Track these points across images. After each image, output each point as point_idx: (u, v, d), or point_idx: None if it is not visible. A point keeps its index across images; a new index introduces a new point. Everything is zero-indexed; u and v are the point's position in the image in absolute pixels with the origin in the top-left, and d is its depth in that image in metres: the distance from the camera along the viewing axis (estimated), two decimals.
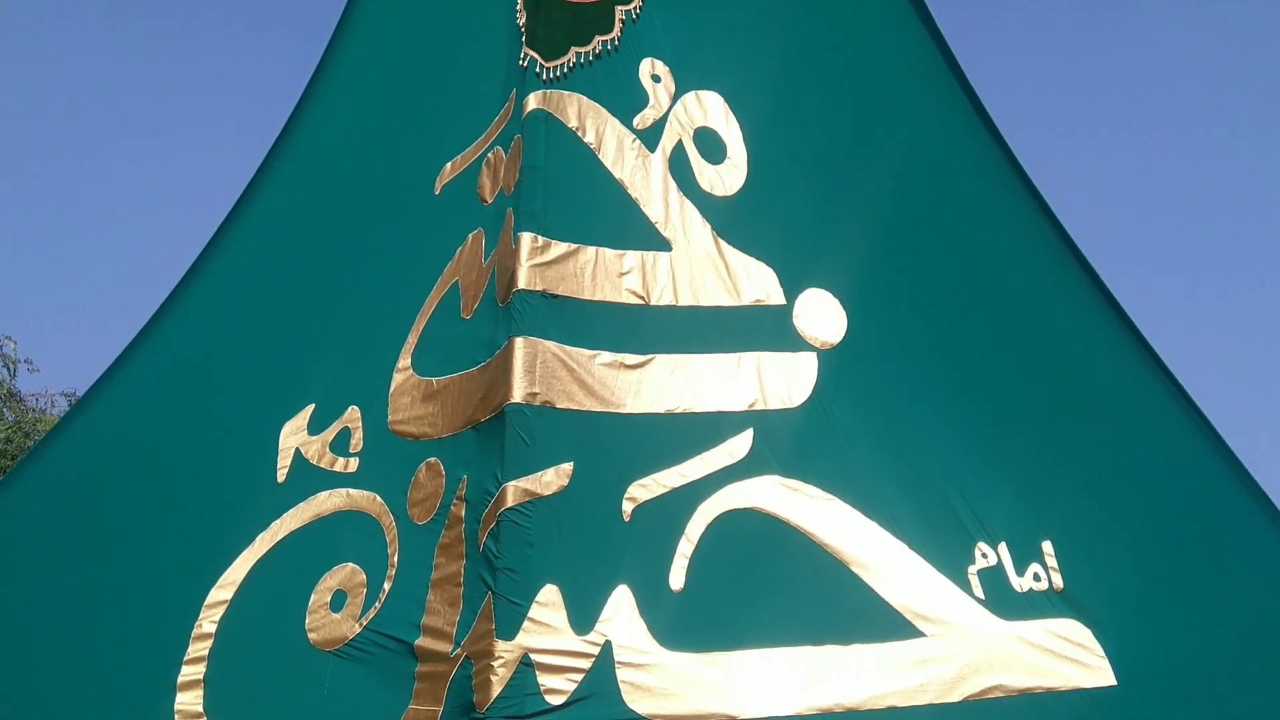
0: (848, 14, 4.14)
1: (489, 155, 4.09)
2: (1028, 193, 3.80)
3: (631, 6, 4.12)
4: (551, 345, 3.69)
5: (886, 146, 4.00)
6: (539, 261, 3.75)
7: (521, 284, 3.70)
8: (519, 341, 3.65)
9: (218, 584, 3.73)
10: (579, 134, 3.94)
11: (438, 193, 4.15)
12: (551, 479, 3.54)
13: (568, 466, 3.56)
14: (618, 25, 4.08)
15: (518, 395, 3.59)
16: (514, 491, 3.50)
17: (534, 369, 3.63)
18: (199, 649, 3.71)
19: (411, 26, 4.41)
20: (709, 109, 4.09)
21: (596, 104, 3.99)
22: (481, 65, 4.22)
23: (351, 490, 3.85)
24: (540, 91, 3.91)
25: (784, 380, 3.76)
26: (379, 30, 4.42)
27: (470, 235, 4.04)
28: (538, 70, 3.93)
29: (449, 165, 4.16)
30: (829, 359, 3.79)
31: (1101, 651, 3.36)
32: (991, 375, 3.73)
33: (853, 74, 4.09)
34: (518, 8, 4.09)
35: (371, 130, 4.32)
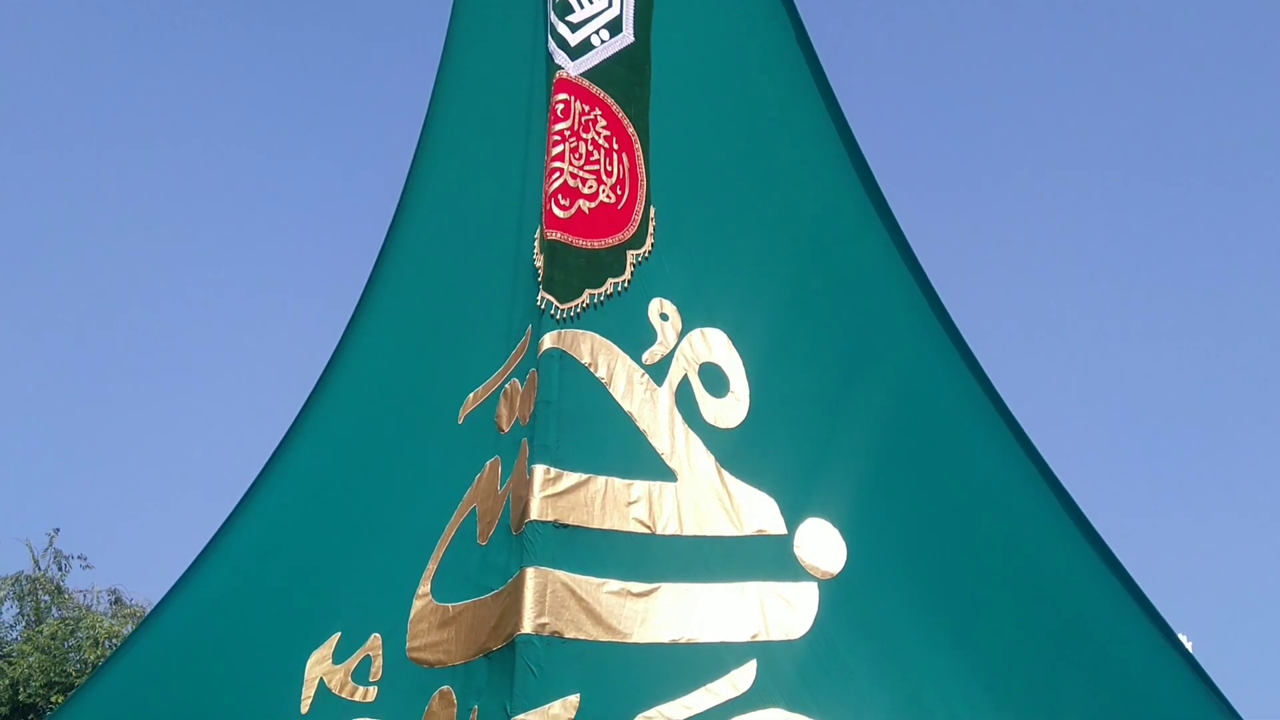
0: (841, 260, 4.27)
1: (506, 386, 4.17)
2: (1009, 429, 3.86)
3: (642, 250, 4.25)
4: (561, 574, 3.67)
5: (879, 383, 4.07)
6: (551, 492, 3.77)
7: (534, 514, 3.71)
8: (530, 571, 3.63)
9: None
10: (591, 369, 4.02)
11: (461, 422, 4.22)
12: (559, 712, 3.47)
13: (574, 699, 3.50)
14: (629, 268, 4.20)
15: (528, 626, 3.56)
16: None
17: (544, 598, 3.61)
18: None
19: (439, 264, 4.57)
20: (713, 345, 4.17)
21: (608, 341, 4.08)
22: (502, 300, 4.34)
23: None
24: (555, 331, 4.00)
25: (786, 611, 3.72)
26: (412, 267, 4.59)
27: (488, 463, 4.08)
28: (553, 312, 4.02)
29: (471, 395, 4.24)
30: (829, 589, 3.76)
31: None
32: (987, 607, 3.69)
33: (846, 314, 4.19)
34: (535, 251, 4.23)
35: (403, 364, 4.44)
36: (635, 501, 3.85)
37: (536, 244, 4.20)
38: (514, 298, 4.24)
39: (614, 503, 3.83)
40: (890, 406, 4.00)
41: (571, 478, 3.81)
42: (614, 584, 3.70)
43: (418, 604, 3.96)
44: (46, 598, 12.73)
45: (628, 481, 3.88)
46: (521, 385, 4.08)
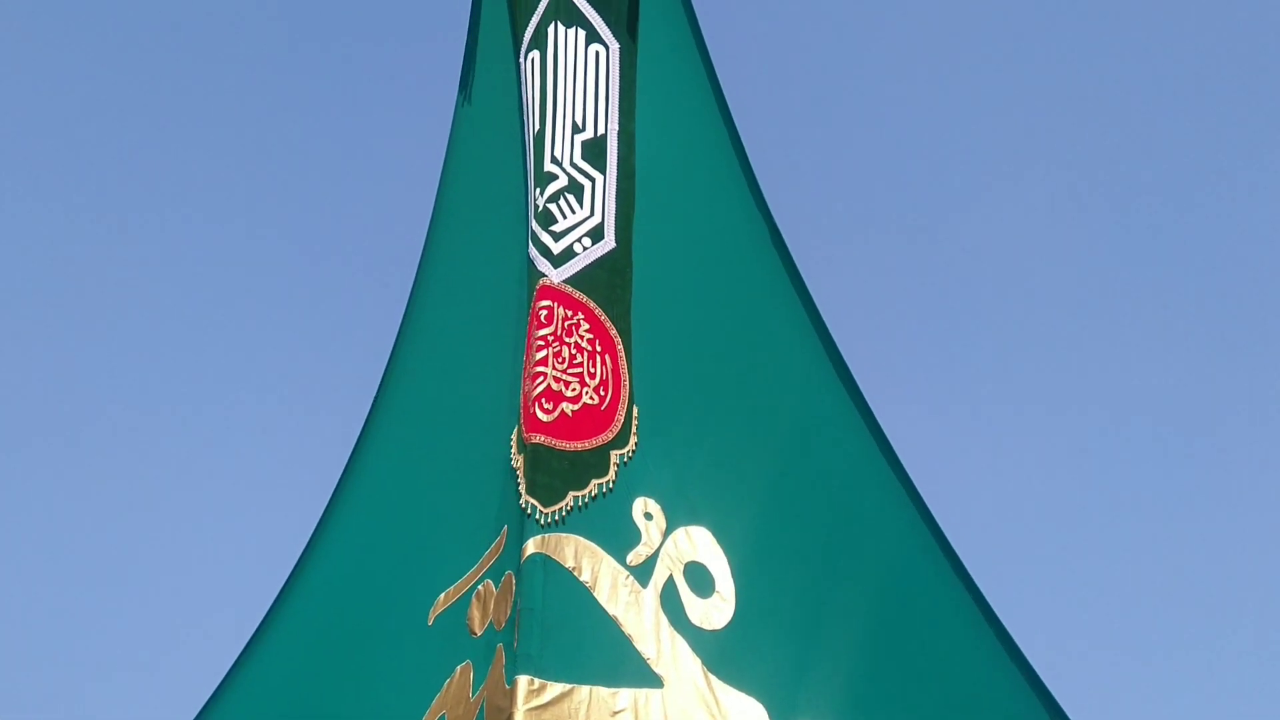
0: (822, 458, 4.23)
1: (479, 588, 4.06)
2: (992, 628, 3.79)
3: (625, 450, 4.20)
4: None
5: (863, 581, 3.99)
6: (534, 705, 3.63)
7: None
8: None
9: None
10: (575, 573, 3.93)
11: (430, 623, 4.11)
12: None
13: None
14: (612, 469, 4.14)
15: None
16: None
17: None
18: None
19: (414, 460, 4.51)
20: (698, 544, 4.09)
21: (592, 543, 4.00)
22: (476, 499, 4.26)
23: None
24: (539, 536, 3.93)
25: None
26: (386, 463, 4.53)
27: (459, 667, 3.94)
28: (537, 516, 3.96)
29: (442, 596, 4.13)
30: None
31: None
32: None
33: (828, 512, 4.13)
34: (512, 452, 4.18)
35: (374, 561, 4.34)
36: (621, 711, 3.72)
37: (513, 444, 4.16)
38: (489, 497, 4.18)
39: (599, 713, 3.70)
40: (875, 606, 3.91)
41: (555, 688, 3.69)
42: None
43: None
44: None
45: (613, 690, 3.75)
46: (496, 587, 3.99)
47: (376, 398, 4.65)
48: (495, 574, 4.00)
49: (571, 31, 4.63)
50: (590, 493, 4.06)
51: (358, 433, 4.60)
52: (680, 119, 4.73)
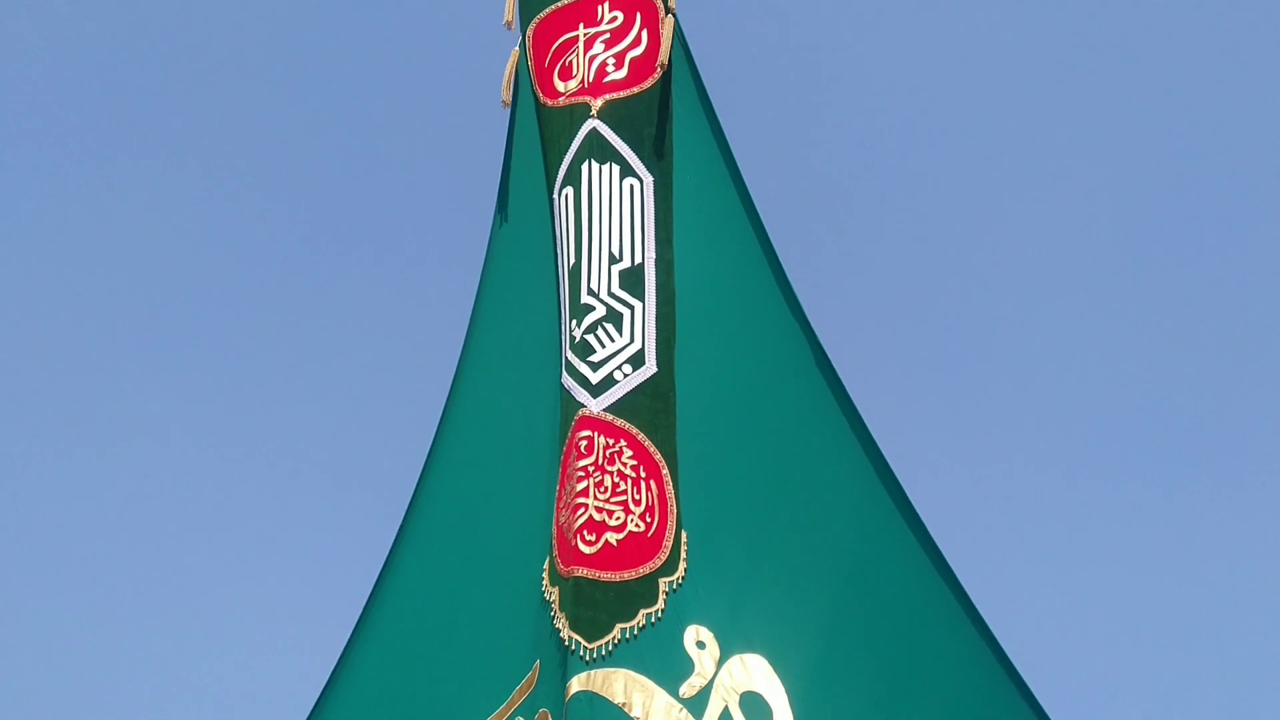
0: (878, 578, 4.06)
1: None
2: None
3: (674, 577, 4.07)
4: None
5: (925, 706, 3.80)
6: None
7: None
8: None
9: None
10: (626, 710, 3.78)
11: None
12: None
13: None
14: (661, 597, 4.01)
15: None
16: None
17: None
18: None
19: (439, 593, 4.44)
20: (754, 673, 3.92)
21: (643, 676, 3.86)
22: (505, 631, 4.14)
23: None
24: (584, 673, 3.81)
25: None
26: (410, 595, 4.47)
27: None
28: (581, 653, 3.84)
29: None
30: None
31: None
32: None
33: (887, 634, 3.95)
34: (544, 584, 4.06)
35: (398, 696, 4.26)
36: None
37: (545, 576, 4.06)
38: (519, 631, 4.07)
39: None
40: None
41: None
42: None
43: None
44: None
45: None
46: None
47: (401, 529, 4.61)
48: (528, 710, 3.88)
49: (606, 167, 4.68)
50: (639, 623, 3.94)
51: (381, 564, 4.56)
52: (718, 244, 4.71)
